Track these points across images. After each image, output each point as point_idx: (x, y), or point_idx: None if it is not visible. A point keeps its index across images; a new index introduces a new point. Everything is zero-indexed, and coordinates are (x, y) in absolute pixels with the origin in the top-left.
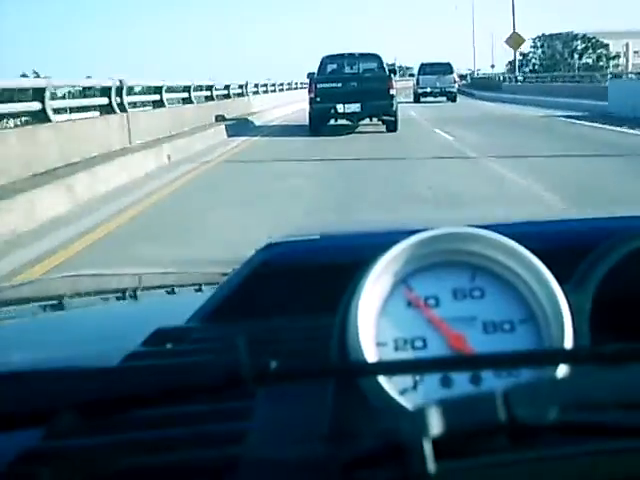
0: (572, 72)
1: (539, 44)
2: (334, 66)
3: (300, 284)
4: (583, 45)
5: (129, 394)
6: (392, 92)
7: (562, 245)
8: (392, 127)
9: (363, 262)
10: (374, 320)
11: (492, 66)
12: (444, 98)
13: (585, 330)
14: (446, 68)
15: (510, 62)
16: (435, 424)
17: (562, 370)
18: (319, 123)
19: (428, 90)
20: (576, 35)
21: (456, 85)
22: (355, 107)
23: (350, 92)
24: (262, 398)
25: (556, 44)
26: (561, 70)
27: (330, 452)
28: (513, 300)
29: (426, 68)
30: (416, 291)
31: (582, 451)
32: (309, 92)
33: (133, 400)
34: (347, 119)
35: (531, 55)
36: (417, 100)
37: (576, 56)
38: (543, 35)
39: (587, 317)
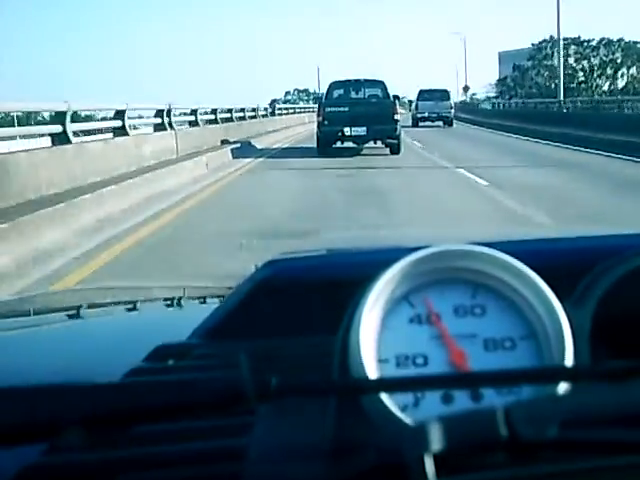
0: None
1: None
2: (341, 91)
3: (302, 301)
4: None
5: (131, 410)
6: (396, 117)
7: (563, 263)
8: (395, 150)
9: (365, 279)
10: (376, 337)
11: (465, 88)
12: (441, 122)
13: (585, 347)
14: (443, 94)
15: (493, 83)
16: (436, 440)
17: (562, 387)
18: (326, 145)
19: (426, 115)
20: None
21: (452, 111)
22: (361, 130)
23: (357, 116)
24: (263, 415)
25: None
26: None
27: (331, 468)
28: (514, 317)
29: (424, 94)
30: (418, 308)
31: (582, 468)
32: (317, 115)
33: (135, 416)
34: (353, 141)
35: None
36: (415, 124)
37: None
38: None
39: (587, 334)
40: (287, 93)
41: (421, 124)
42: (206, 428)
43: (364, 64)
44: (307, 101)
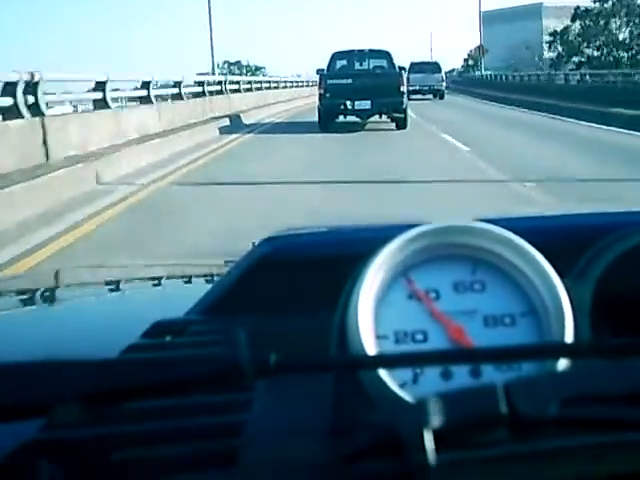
0: None
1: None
2: (343, 62)
3: (300, 277)
4: None
5: (128, 386)
6: (403, 89)
7: (563, 239)
8: (402, 124)
9: (363, 255)
10: (374, 313)
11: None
12: (431, 95)
13: (586, 324)
14: (434, 67)
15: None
16: (436, 416)
17: (563, 364)
18: (328, 119)
19: (417, 88)
20: None
21: (444, 83)
22: (365, 104)
23: (361, 89)
24: (262, 391)
25: None
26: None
27: (330, 445)
28: (514, 293)
29: (415, 67)
30: (417, 284)
31: (583, 444)
32: (319, 88)
33: (132, 392)
34: (357, 116)
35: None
36: (407, 98)
37: None
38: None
39: (588, 311)
40: (216, 66)
41: (412, 97)
42: (204, 405)
43: (327, 33)
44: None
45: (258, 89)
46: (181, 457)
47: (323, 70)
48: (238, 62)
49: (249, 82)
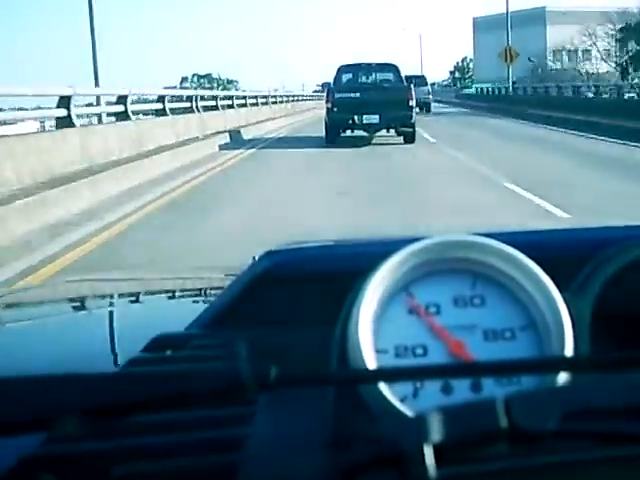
0: None
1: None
2: (350, 76)
3: (301, 291)
4: None
5: (129, 400)
6: (411, 103)
7: (562, 253)
8: (410, 139)
9: (364, 270)
10: (375, 327)
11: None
12: (417, 109)
13: (585, 337)
14: (421, 80)
15: (451, 71)
16: (436, 431)
17: (563, 377)
18: (335, 134)
19: None
20: None
21: (430, 96)
22: (374, 118)
23: (369, 103)
24: (263, 405)
25: None
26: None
27: (331, 458)
28: (514, 307)
29: None
30: (417, 298)
31: (582, 459)
32: (326, 102)
33: (134, 406)
34: (364, 130)
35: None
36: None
37: None
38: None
39: (587, 325)
40: (184, 80)
41: None
42: (206, 418)
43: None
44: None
45: (230, 106)
46: (182, 471)
47: (329, 83)
48: (208, 75)
49: (228, 97)
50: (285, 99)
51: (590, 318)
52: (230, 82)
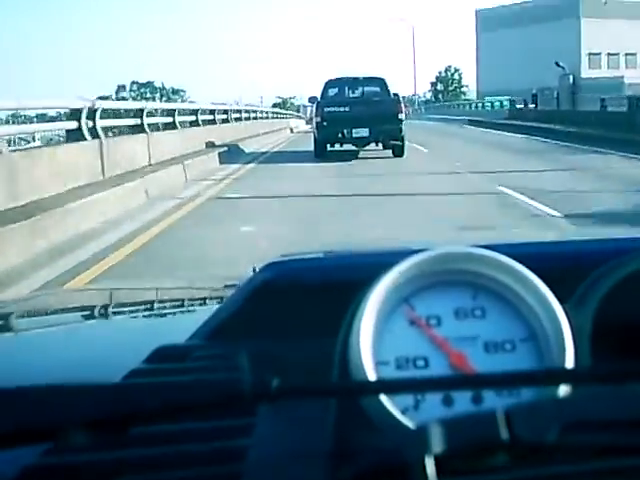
0: None
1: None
2: (336, 90)
3: (302, 303)
4: None
5: (131, 411)
6: (401, 116)
7: (563, 266)
8: (399, 152)
9: (365, 281)
10: (376, 339)
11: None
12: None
13: (586, 349)
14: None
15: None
16: (437, 442)
17: (563, 389)
18: (324, 148)
19: None
20: None
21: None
22: (364, 132)
23: (358, 116)
24: (264, 416)
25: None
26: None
27: (332, 470)
28: (514, 319)
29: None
30: (418, 310)
31: (582, 470)
32: (315, 116)
33: (135, 417)
34: (353, 144)
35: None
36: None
37: None
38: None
39: (588, 337)
40: (121, 88)
41: None
42: (207, 430)
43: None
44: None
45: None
46: None
47: (316, 98)
48: (150, 83)
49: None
50: (248, 115)
51: (590, 330)
52: (176, 92)
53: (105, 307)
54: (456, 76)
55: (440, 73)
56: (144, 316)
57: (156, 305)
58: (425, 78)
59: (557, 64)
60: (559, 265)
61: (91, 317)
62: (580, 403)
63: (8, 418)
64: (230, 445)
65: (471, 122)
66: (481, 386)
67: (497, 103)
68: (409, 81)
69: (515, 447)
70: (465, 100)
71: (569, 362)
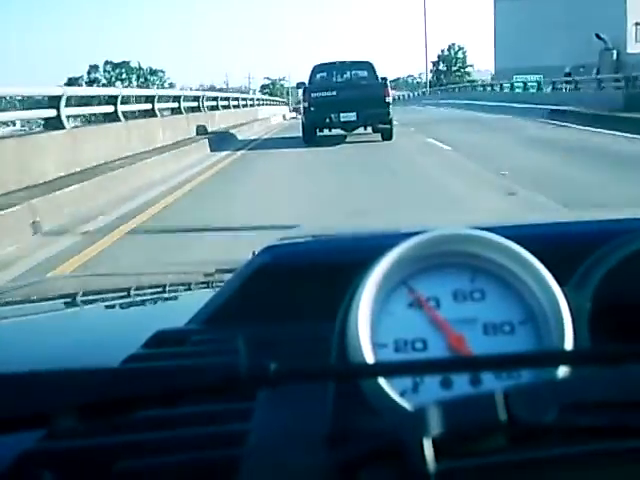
0: None
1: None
2: (325, 74)
3: (300, 286)
4: None
5: (129, 396)
6: (388, 100)
7: (562, 247)
8: (387, 136)
9: (363, 264)
10: (375, 321)
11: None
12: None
13: (585, 331)
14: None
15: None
16: (435, 424)
17: (562, 371)
18: (313, 133)
19: None
20: None
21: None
22: (351, 116)
23: (346, 101)
24: (262, 400)
25: None
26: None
27: (330, 453)
28: (513, 301)
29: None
30: (417, 292)
31: (581, 452)
32: (303, 101)
33: (133, 402)
34: (342, 128)
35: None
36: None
37: None
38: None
39: (587, 318)
40: (93, 68)
41: None
42: (206, 414)
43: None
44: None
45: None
46: (183, 467)
47: (304, 83)
48: (125, 63)
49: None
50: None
51: (589, 312)
52: (153, 73)
53: (102, 293)
54: (460, 54)
55: (442, 51)
56: (142, 301)
57: (155, 290)
58: (420, 58)
59: (598, 36)
60: (558, 247)
61: (89, 303)
62: (579, 384)
63: (5, 403)
64: (228, 429)
65: (555, 116)
66: (479, 368)
67: (532, 83)
68: (404, 61)
69: (514, 429)
70: (470, 81)
71: (568, 344)
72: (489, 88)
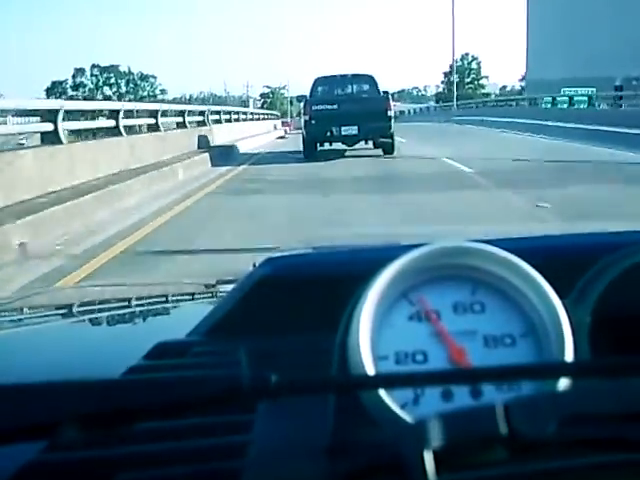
0: None
1: None
2: (326, 87)
3: (301, 298)
4: None
5: (130, 407)
6: (390, 114)
7: (562, 260)
8: (389, 150)
9: (364, 276)
10: (375, 334)
11: None
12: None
13: (585, 344)
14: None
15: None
16: (436, 437)
17: (562, 383)
18: (313, 147)
19: None
20: None
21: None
22: (353, 130)
23: (347, 114)
24: (263, 412)
25: None
26: None
27: (331, 466)
28: (514, 314)
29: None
30: (418, 305)
31: (582, 465)
32: (304, 114)
33: (134, 413)
34: (343, 142)
35: None
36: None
37: None
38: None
39: (587, 331)
40: (79, 72)
41: None
42: (207, 426)
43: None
44: (114, 88)
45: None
46: (183, 479)
47: (305, 96)
48: (113, 67)
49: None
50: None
51: (590, 324)
52: (144, 78)
53: (103, 304)
54: (474, 65)
55: (456, 61)
56: (144, 312)
57: (155, 301)
58: (427, 68)
59: None
60: (559, 259)
61: (89, 314)
62: (579, 397)
63: (6, 414)
64: (229, 441)
65: None
66: (480, 380)
67: (581, 97)
68: (409, 71)
69: (514, 441)
70: (485, 94)
71: (568, 356)
72: (523, 103)
